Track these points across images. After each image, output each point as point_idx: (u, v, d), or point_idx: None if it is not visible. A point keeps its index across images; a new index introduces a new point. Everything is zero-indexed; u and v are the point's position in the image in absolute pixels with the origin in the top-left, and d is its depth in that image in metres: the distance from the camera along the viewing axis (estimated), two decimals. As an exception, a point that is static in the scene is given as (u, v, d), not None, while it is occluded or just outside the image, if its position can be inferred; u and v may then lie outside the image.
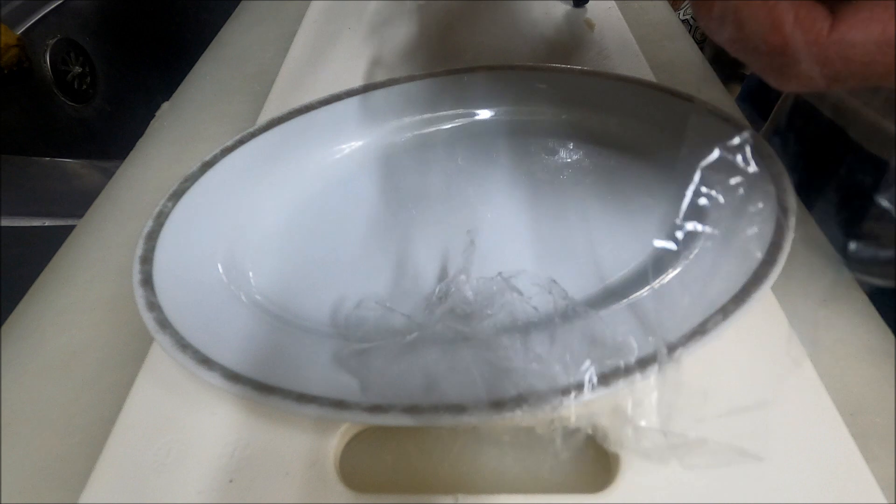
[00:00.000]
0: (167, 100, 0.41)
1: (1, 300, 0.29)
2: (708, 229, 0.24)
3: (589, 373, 0.18)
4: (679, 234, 0.20)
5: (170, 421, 0.20)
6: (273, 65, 0.41)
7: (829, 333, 0.23)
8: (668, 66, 0.40)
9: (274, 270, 0.26)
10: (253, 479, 0.19)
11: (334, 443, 0.20)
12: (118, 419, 0.20)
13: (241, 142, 0.30)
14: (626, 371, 0.18)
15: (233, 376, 0.19)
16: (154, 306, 0.22)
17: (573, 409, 0.20)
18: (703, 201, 0.26)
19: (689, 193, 0.26)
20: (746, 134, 0.29)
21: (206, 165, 0.29)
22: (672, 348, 0.19)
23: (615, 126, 0.32)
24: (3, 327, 0.26)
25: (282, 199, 0.29)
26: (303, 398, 0.18)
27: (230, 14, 0.52)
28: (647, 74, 0.38)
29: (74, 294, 0.27)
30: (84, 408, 0.22)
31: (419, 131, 0.33)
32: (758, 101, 0.45)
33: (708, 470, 0.18)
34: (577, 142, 0.32)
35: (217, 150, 0.30)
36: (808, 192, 0.28)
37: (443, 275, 0.25)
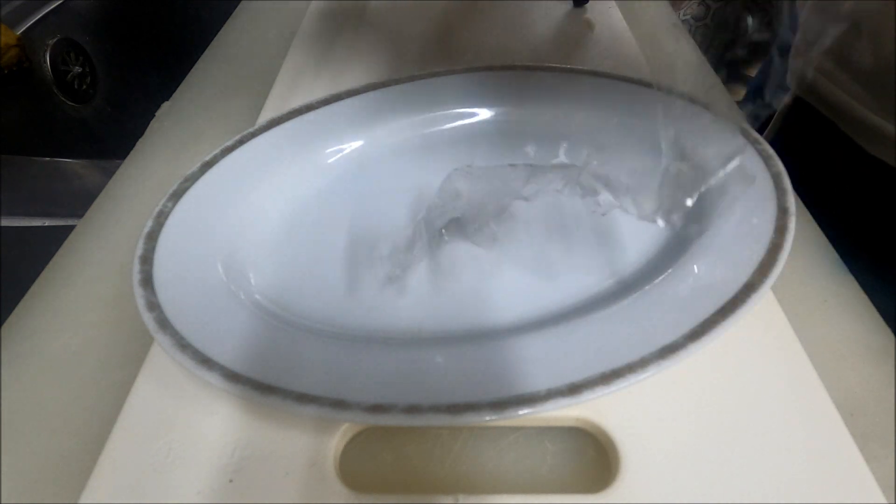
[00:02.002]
0: (167, 100, 0.41)
1: (1, 300, 0.29)
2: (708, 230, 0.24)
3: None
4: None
5: (170, 421, 0.20)
6: (273, 65, 0.41)
7: (829, 333, 0.24)
8: (668, 66, 0.40)
9: (274, 270, 0.26)
10: (253, 479, 0.19)
11: (334, 443, 0.20)
12: (118, 419, 0.20)
13: (241, 142, 0.30)
14: (627, 370, 0.18)
15: (233, 376, 0.19)
16: (154, 306, 0.22)
17: (573, 409, 0.20)
18: (704, 202, 0.26)
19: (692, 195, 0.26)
20: (747, 135, 0.29)
21: (206, 165, 0.29)
22: (673, 348, 0.19)
23: (615, 126, 0.32)
24: (3, 327, 0.26)
25: (282, 199, 0.29)
26: (303, 398, 0.18)
27: (230, 14, 0.52)
28: (647, 74, 0.38)
29: (74, 294, 0.27)
30: (84, 408, 0.22)
31: (419, 131, 0.33)
32: (761, 103, 0.45)
33: (708, 470, 0.18)
34: (576, 141, 0.32)
35: (217, 150, 0.30)
36: (808, 194, 0.28)
37: (440, 272, 0.25)
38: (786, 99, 0.42)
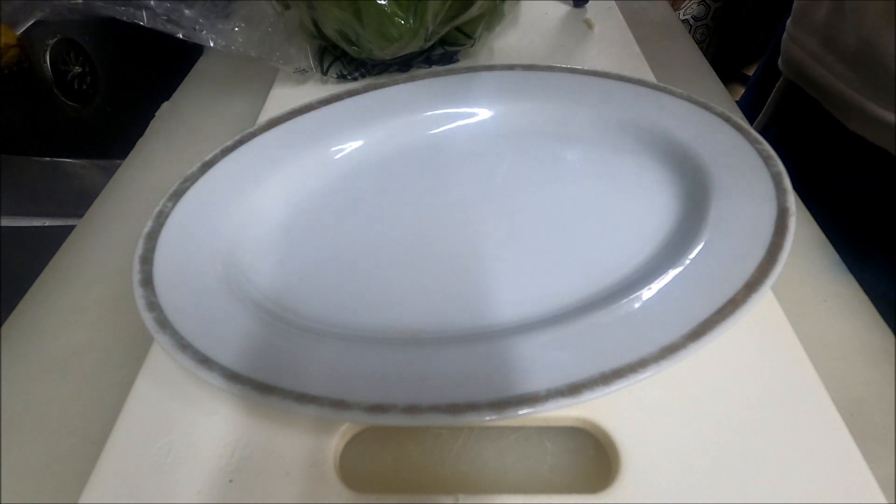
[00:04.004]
0: (167, 100, 0.41)
1: (1, 300, 0.29)
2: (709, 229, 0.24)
3: None
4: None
5: (170, 421, 0.20)
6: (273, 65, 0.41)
7: (829, 333, 0.23)
8: (668, 66, 0.40)
9: (274, 270, 0.26)
10: (253, 479, 0.19)
11: (334, 443, 0.20)
12: (118, 419, 0.20)
13: (241, 142, 0.30)
14: (627, 370, 0.18)
15: (233, 376, 0.19)
16: (154, 306, 0.22)
17: (573, 409, 0.20)
18: (704, 201, 0.26)
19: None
20: (747, 135, 0.29)
21: (206, 165, 0.29)
22: (673, 348, 0.19)
23: (615, 126, 0.32)
24: (3, 327, 0.26)
25: (282, 198, 0.29)
26: (303, 398, 0.19)
27: (230, 14, 0.52)
28: (647, 74, 0.38)
29: (74, 294, 0.27)
30: (84, 408, 0.22)
31: (419, 131, 0.33)
32: (760, 101, 0.45)
33: (708, 470, 0.18)
34: (576, 141, 0.32)
35: (217, 150, 0.30)
36: (800, 174, 0.28)
37: (440, 272, 0.25)
38: (778, 83, 0.43)
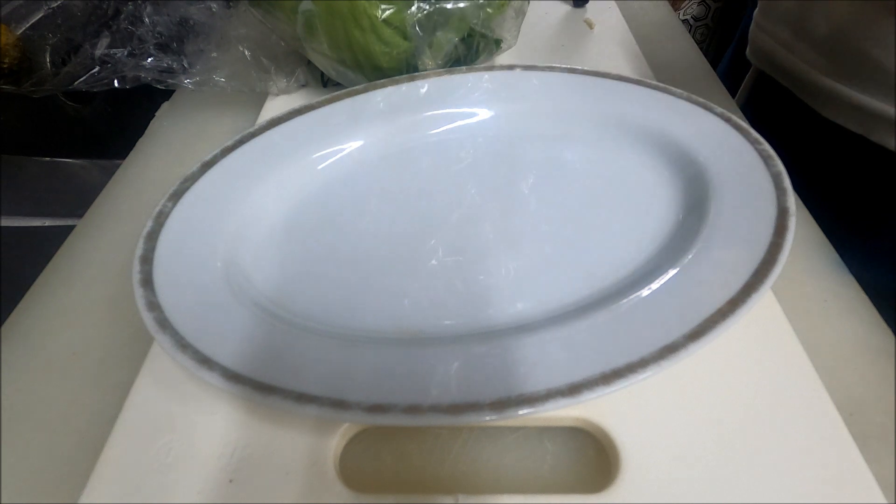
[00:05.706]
0: (167, 100, 0.41)
1: (1, 300, 0.29)
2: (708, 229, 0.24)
3: None
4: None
5: (170, 421, 0.20)
6: (273, 65, 0.41)
7: (829, 333, 0.24)
8: (668, 66, 0.40)
9: (274, 270, 0.26)
10: (253, 479, 0.19)
11: (334, 443, 0.20)
12: (118, 419, 0.20)
13: (241, 142, 0.30)
14: (627, 370, 0.18)
15: (233, 376, 0.19)
16: (154, 306, 0.22)
17: (573, 409, 0.20)
18: (704, 201, 0.26)
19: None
20: (747, 134, 0.29)
21: (206, 165, 0.29)
22: (673, 348, 0.19)
23: (615, 126, 0.32)
24: (3, 327, 0.26)
25: (282, 198, 0.29)
26: (303, 398, 0.19)
27: (230, 14, 0.52)
28: (647, 74, 0.38)
29: (74, 294, 0.27)
30: (84, 408, 0.22)
31: (419, 131, 0.33)
32: (733, 84, 0.45)
33: (708, 470, 0.18)
34: (576, 141, 0.32)
35: (217, 150, 0.30)
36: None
37: (440, 272, 0.25)
38: (748, 74, 0.43)
